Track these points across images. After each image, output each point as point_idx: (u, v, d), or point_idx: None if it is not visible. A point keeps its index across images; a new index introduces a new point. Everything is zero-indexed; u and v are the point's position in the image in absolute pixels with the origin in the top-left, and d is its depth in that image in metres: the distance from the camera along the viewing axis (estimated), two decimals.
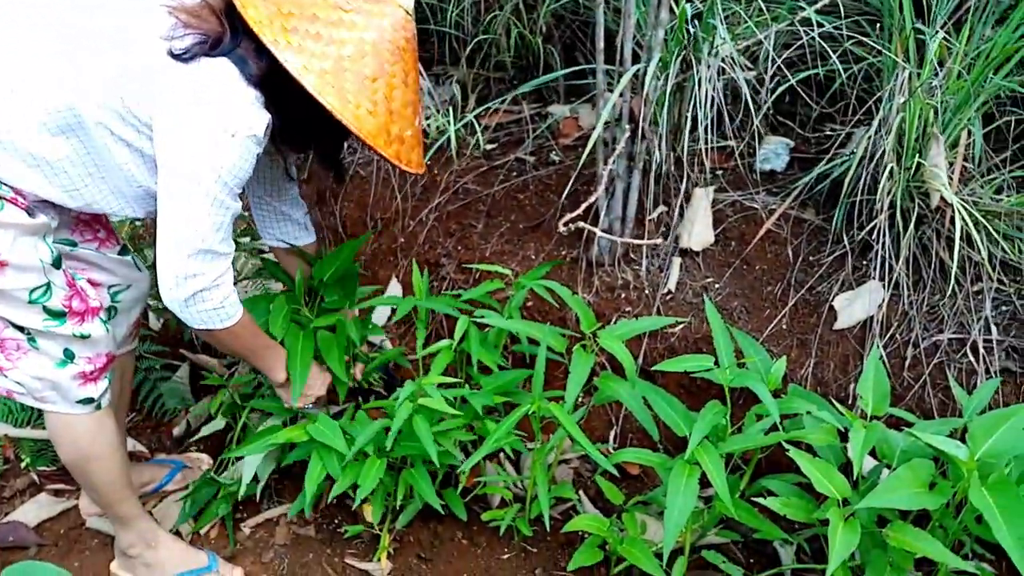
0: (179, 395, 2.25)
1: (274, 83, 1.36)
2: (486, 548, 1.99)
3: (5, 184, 1.37)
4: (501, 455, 2.16)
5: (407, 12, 1.43)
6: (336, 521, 2.02)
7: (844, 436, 1.63)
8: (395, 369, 2.41)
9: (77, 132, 1.37)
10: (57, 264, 1.48)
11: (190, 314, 1.46)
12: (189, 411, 2.26)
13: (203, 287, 1.43)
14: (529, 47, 2.69)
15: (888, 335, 1.99)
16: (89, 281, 1.64)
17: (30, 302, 1.45)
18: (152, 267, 1.60)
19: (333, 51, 1.35)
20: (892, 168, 1.94)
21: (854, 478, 1.52)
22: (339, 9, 1.36)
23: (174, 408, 2.24)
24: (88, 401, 1.61)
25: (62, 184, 1.41)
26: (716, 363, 1.64)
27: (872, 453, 1.59)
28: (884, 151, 1.96)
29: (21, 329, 1.50)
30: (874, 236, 2.04)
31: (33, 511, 1.98)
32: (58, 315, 1.50)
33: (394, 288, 2.54)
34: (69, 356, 1.55)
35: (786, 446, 1.53)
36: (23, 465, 2.09)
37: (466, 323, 1.89)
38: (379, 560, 1.93)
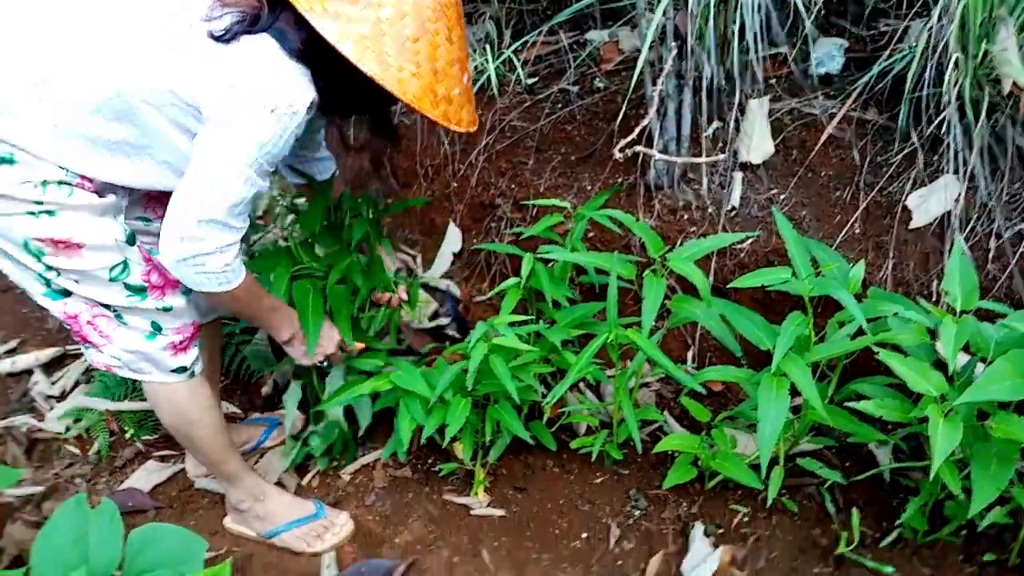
0: (261, 356, 2.32)
1: (315, 53, 1.34)
2: (578, 474, 2.04)
3: (71, 171, 1.40)
4: (581, 384, 2.20)
5: None
6: (430, 461, 2.09)
7: (933, 335, 1.62)
8: (465, 311, 2.45)
9: (130, 116, 1.38)
10: (131, 241, 1.52)
11: (183, 273, 1.45)
12: (272, 371, 2.33)
13: (203, 251, 1.42)
14: None
15: (968, 228, 1.95)
16: None
17: (111, 280, 1.50)
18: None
19: (370, 14, 1.31)
20: (957, 58, 1.87)
21: (948, 374, 1.51)
22: None
23: (259, 369, 2.31)
24: (181, 370, 1.67)
25: (123, 166, 1.44)
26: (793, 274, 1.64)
27: (964, 349, 1.57)
28: (947, 41, 1.88)
29: (108, 307, 1.55)
30: (944, 130, 1.98)
31: (144, 477, 2.09)
32: (139, 290, 1.54)
33: (452, 233, 2.57)
34: (157, 328, 1.61)
35: (875, 349, 1.52)
36: (128, 436, 2.19)
37: (531, 260, 1.89)
38: (476, 494, 1.99)
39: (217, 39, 1.32)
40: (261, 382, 2.34)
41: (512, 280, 1.90)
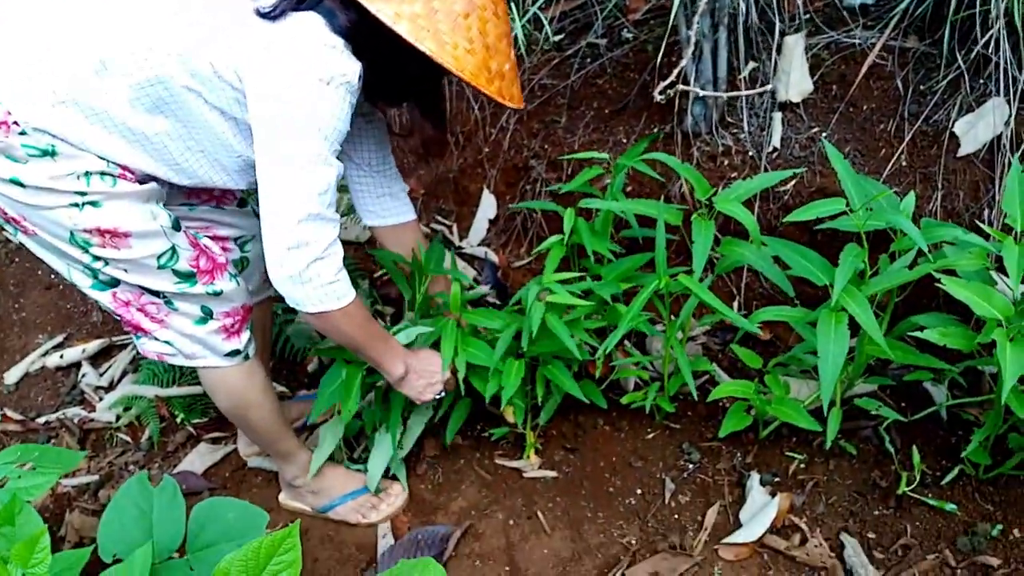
0: (305, 334, 2.32)
1: (363, 33, 1.32)
2: (629, 431, 2.02)
3: (112, 161, 1.38)
4: (626, 340, 2.16)
5: None
6: (479, 426, 2.08)
7: (992, 260, 1.56)
8: (504, 278, 2.43)
9: (170, 104, 1.35)
10: (177, 227, 1.50)
11: (304, 293, 1.41)
12: (317, 347, 2.33)
13: (316, 256, 1.38)
14: None
15: (1020, 151, 1.87)
16: (214, 237, 1.67)
17: (159, 267, 1.48)
18: None
19: None
20: None
21: (1012, 298, 1.45)
22: None
23: (303, 347, 2.31)
24: (235, 353, 1.66)
25: (164, 160, 1.42)
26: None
27: None
28: None
29: (157, 294, 1.54)
30: (990, 50, 1.90)
31: (197, 460, 2.10)
32: (188, 276, 1.53)
33: (486, 199, 2.54)
34: (207, 313, 1.59)
35: (935, 275, 1.47)
36: (178, 420, 2.20)
37: (572, 215, 1.86)
38: (528, 457, 1.97)
39: (264, 16, 1.30)
40: (307, 360, 2.34)
41: (555, 238, 1.85)
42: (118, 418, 2.26)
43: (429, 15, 1.29)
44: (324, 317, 1.46)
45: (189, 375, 2.27)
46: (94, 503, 2.06)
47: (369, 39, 1.33)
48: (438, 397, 1.78)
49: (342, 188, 1.92)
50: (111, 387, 2.37)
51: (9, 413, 2.31)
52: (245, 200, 1.79)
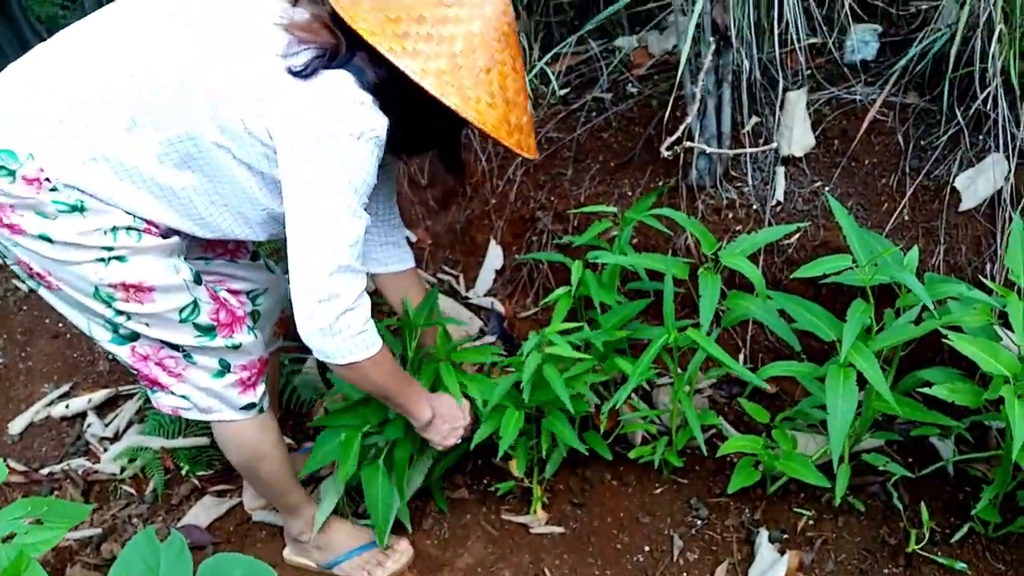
0: (312, 385, 2.32)
1: (391, 89, 1.36)
2: (636, 486, 2.00)
3: (138, 216, 1.40)
4: (633, 393, 2.16)
5: None
6: (485, 481, 2.06)
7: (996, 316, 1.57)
8: (511, 328, 2.43)
9: (197, 160, 1.38)
10: (198, 280, 1.52)
11: (335, 345, 1.41)
12: (324, 399, 2.32)
13: (346, 307, 1.39)
14: None
15: (1020, 206, 1.89)
16: (228, 291, 1.69)
17: (181, 321, 1.50)
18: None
19: (445, 49, 1.33)
20: (1001, 30, 1.83)
21: (1018, 354, 1.46)
22: (442, 5, 1.34)
23: (309, 398, 2.31)
24: (251, 407, 1.66)
25: (189, 214, 1.44)
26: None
27: None
28: (990, 13, 1.84)
29: (176, 347, 1.55)
30: (988, 106, 1.93)
31: (202, 513, 2.08)
32: (208, 330, 1.54)
33: (493, 251, 2.56)
34: (225, 367, 1.60)
35: (942, 332, 1.47)
36: (183, 472, 2.19)
37: (580, 267, 1.88)
38: (534, 512, 1.96)
39: (296, 75, 1.33)
40: (313, 411, 2.33)
41: (562, 289, 1.87)
42: (123, 470, 2.24)
43: (453, 71, 1.33)
44: (353, 368, 1.46)
45: (195, 426, 2.27)
46: (96, 557, 2.04)
47: (397, 94, 1.36)
48: (458, 443, 1.78)
49: None
50: (116, 438, 2.36)
51: (12, 464, 2.30)
52: (257, 254, 1.81)
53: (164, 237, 1.45)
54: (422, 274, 2.59)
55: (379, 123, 1.36)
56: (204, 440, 2.23)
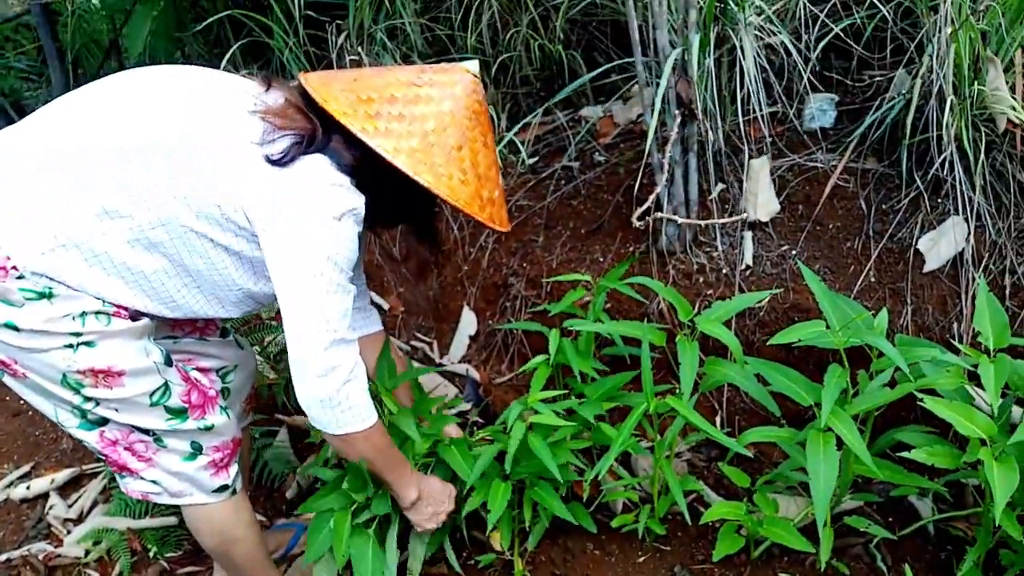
0: (284, 459, 2.27)
1: (366, 168, 1.39)
2: (619, 555, 1.98)
3: (107, 301, 1.38)
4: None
5: (474, 75, 1.46)
6: (465, 553, 2.02)
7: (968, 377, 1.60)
8: (486, 395, 2.42)
9: (167, 244, 1.36)
10: (168, 362, 1.50)
11: (333, 416, 1.43)
12: (296, 473, 2.27)
13: (345, 379, 1.41)
14: (550, 56, 2.71)
15: (982, 266, 1.95)
16: (198, 369, 1.66)
17: (151, 405, 1.46)
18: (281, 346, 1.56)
19: (417, 128, 1.37)
20: (952, 100, 1.91)
21: (991, 413, 1.49)
22: (413, 85, 1.39)
23: (281, 472, 2.26)
24: (223, 488, 1.62)
25: (160, 298, 1.42)
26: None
27: None
28: (940, 86, 1.93)
29: (147, 432, 1.51)
30: (945, 171, 2.01)
31: None
32: (179, 412, 1.51)
33: (467, 317, 2.56)
34: (197, 449, 1.56)
35: (917, 396, 1.50)
36: (151, 554, 2.11)
37: (557, 336, 1.89)
38: None
39: (275, 163, 1.34)
40: (284, 486, 2.28)
41: (540, 358, 1.89)
42: (87, 553, 2.16)
43: (425, 149, 1.37)
44: (347, 439, 1.47)
45: (163, 506, 2.19)
46: None
47: (372, 173, 1.38)
48: (438, 527, 1.76)
49: None
50: (80, 519, 2.28)
51: None
52: (227, 330, 1.79)
53: (133, 319, 1.42)
54: (395, 342, 2.58)
55: (357, 202, 1.38)
56: (172, 520, 2.16)
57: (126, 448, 1.51)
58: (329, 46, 2.58)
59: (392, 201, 1.47)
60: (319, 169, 1.36)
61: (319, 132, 1.36)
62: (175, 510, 2.17)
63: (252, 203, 1.34)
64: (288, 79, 1.54)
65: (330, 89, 1.38)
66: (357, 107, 1.36)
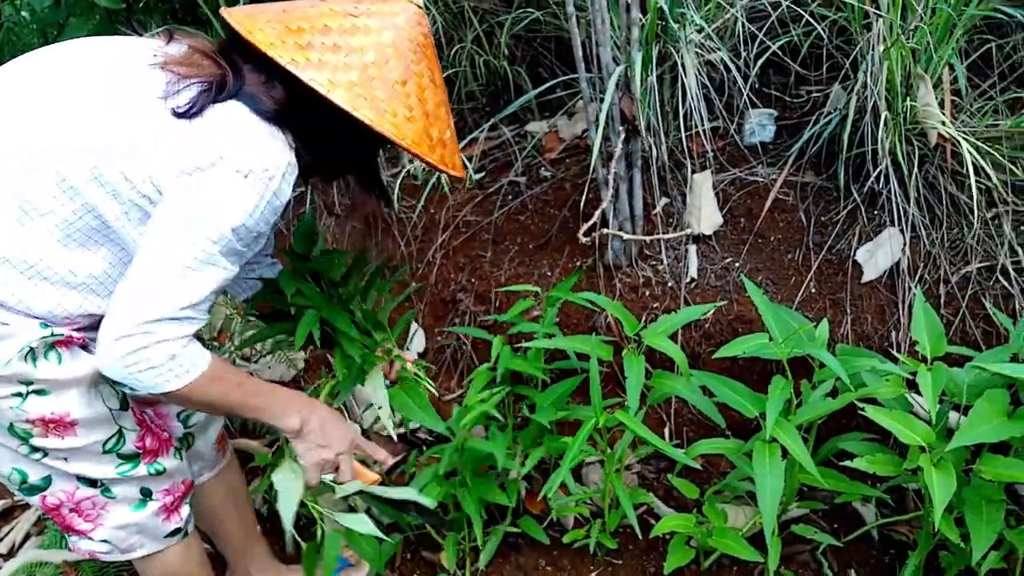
0: None
1: (294, 111, 1.24)
2: (571, 570, 1.97)
3: (56, 322, 1.26)
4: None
5: (418, 6, 1.32)
6: (416, 575, 1.99)
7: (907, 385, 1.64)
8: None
9: (103, 232, 1.24)
10: (125, 405, 1.40)
11: (122, 374, 1.21)
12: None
13: (143, 345, 1.19)
14: (495, 72, 2.72)
15: (917, 277, 2.01)
16: (156, 413, 1.56)
17: (104, 452, 1.38)
18: None
19: (356, 60, 1.22)
20: (886, 116, 1.97)
21: (929, 420, 1.52)
22: (349, 16, 1.25)
23: None
24: (176, 532, 1.54)
25: (110, 292, 1.29)
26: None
27: None
28: (875, 102, 1.99)
29: (93, 483, 1.41)
30: (880, 184, 2.07)
31: None
32: (131, 458, 1.42)
33: (416, 334, 2.53)
34: (147, 494, 1.47)
35: (859, 405, 1.53)
36: None
37: (501, 342, 1.87)
38: None
39: (181, 115, 1.20)
40: None
41: (484, 366, 1.87)
42: None
43: (365, 83, 1.22)
44: (172, 395, 1.27)
45: None
46: None
47: (301, 116, 1.25)
48: (333, 482, 1.52)
49: None
50: (11, 554, 2.18)
51: None
52: None
53: (87, 350, 1.32)
54: None
55: (274, 162, 1.21)
56: None
57: (72, 510, 1.42)
58: None
59: (328, 148, 1.31)
60: (233, 117, 1.21)
61: (230, 77, 1.22)
62: None
63: (155, 165, 1.20)
64: None
65: (255, 20, 1.23)
66: (286, 37, 1.20)
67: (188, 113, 1.20)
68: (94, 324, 1.28)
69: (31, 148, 1.21)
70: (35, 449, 1.33)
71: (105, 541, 1.47)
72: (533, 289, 1.99)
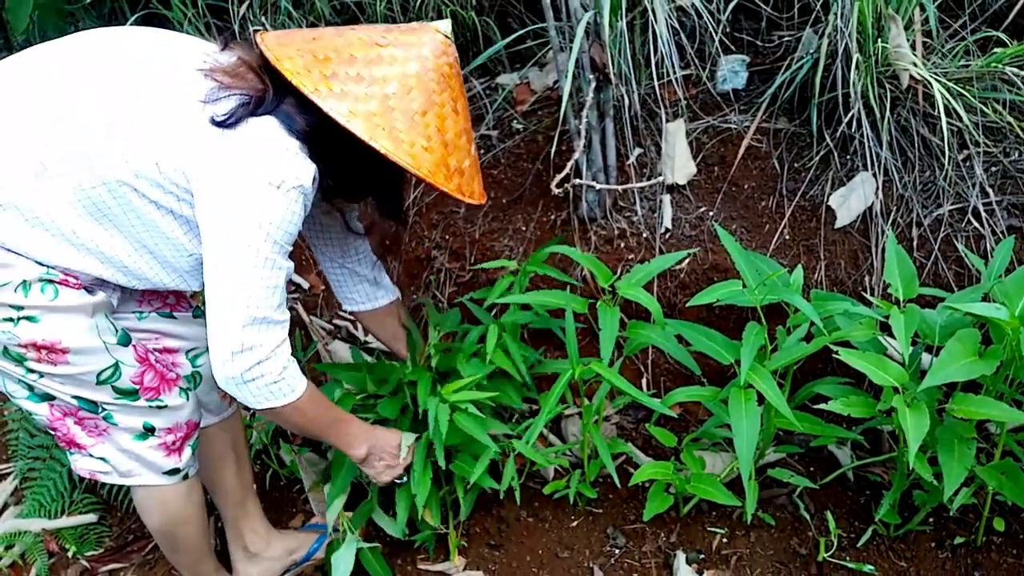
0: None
1: (321, 134, 1.31)
2: (552, 521, 1.99)
3: (54, 268, 1.32)
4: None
5: (446, 36, 1.37)
6: None
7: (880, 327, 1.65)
8: None
9: (113, 207, 1.30)
10: (124, 341, 1.43)
11: (248, 392, 1.37)
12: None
13: (259, 359, 1.34)
14: (463, 23, 2.66)
15: (890, 220, 2.01)
16: (165, 349, 1.59)
17: (98, 383, 1.41)
18: None
19: (377, 91, 1.29)
20: (857, 59, 1.95)
21: (902, 361, 1.54)
22: (376, 45, 1.30)
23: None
24: (174, 472, 1.56)
25: (111, 262, 1.36)
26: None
27: None
28: (846, 45, 1.97)
29: (95, 405, 1.45)
30: (853, 128, 2.06)
31: None
32: (129, 393, 1.45)
33: None
34: (149, 429, 1.51)
35: (833, 348, 1.54)
36: (70, 554, 2.03)
37: (496, 330, 1.85)
38: (452, 559, 1.92)
39: (220, 124, 1.27)
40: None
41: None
42: None
43: (385, 113, 1.29)
44: (272, 412, 1.42)
45: (80, 503, 2.11)
46: None
47: (327, 141, 1.31)
48: (399, 482, 1.74)
49: None
50: None
51: None
52: (200, 309, 1.70)
53: (88, 291, 1.36)
54: (317, 321, 2.53)
55: (303, 172, 1.30)
56: (91, 517, 2.09)
57: (76, 422, 1.46)
58: (231, 16, 2.47)
59: (351, 172, 1.39)
60: (266, 132, 1.29)
61: (270, 93, 1.29)
62: (93, 506, 2.10)
63: (190, 163, 1.28)
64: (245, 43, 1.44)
65: (286, 49, 1.30)
66: (312, 67, 1.27)
67: (225, 123, 1.27)
68: (95, 283, 1.37)
69: (67, 115, 1.28)
70: (31, 371, 1.38)
71: (104, 460, 1.50)
72: (510, 264, 1.96)
